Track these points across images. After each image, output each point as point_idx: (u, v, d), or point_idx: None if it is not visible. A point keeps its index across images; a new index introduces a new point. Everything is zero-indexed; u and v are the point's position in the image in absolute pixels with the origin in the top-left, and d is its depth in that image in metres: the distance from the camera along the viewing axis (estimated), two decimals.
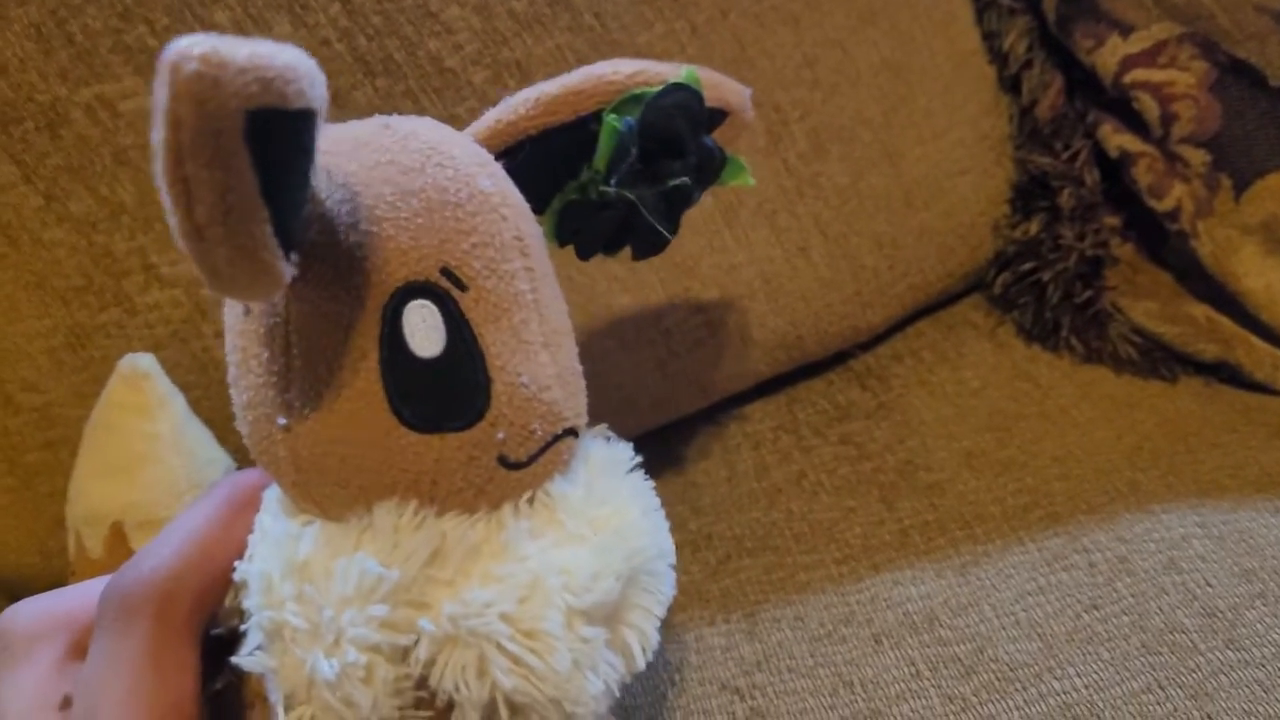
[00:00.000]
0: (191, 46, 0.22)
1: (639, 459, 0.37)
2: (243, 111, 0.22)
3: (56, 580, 0.32)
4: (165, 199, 0.23)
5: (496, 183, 0.32)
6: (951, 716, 0.41)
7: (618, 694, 0.33)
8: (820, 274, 0.58)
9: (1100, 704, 0.41)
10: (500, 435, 0.31)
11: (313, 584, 0.29)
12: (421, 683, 0.30)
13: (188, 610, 0.30)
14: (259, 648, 0.30)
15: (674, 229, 0.38)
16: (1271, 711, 0.40)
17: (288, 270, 0.26)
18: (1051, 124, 0.63)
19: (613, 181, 0.36)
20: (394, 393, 0.29)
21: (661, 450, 0.59)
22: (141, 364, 0.44)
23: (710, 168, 0.39)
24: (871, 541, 0.50)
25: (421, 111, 0.47)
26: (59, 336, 0.47)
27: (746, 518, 0.53)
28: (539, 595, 0.30)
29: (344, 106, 0.46)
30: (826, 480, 0.54)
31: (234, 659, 0.30)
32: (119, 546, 0.42)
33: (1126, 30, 0.59)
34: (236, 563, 0.31)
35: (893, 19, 0.59)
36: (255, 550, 0.31)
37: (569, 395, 0.33)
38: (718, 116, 0.40)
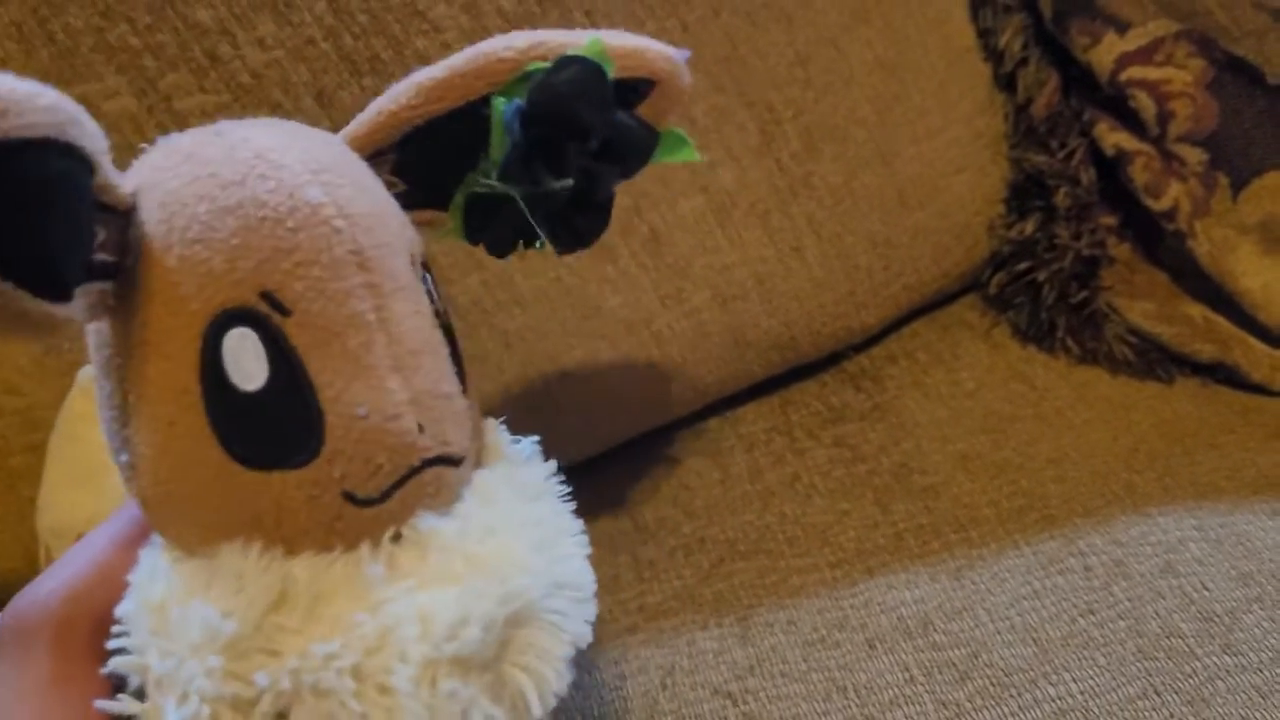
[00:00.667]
0: None
1: (555, 480, 0.35)
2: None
3: None
4: None
5: (330, 191, 0.28)
6: None
7: None
8: (814, 274, 0.57)
9: (1096, 710, 0.41)
10: (338, 472, 0.28)
11: (166, 627, 0.28)
12: None
13: (87, 634, 0.29)
14: (131, 689, 0.29)
15: (597, 222, 0.35)
16: (1269, 717, 0.39)
17: (59, 310, 0.25)
18: (1047, 122, 0.63)
19: (495, 174, 0.33)
20: (221, 428, 0.27)
21: (653, 453, 0.58)
22: None
23: (633, 147, 0.35)
24: (865, 545, 0.50)
25: None
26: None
27: (739, 520, 0.52)
28: (389, 646, 0.27)
29: (330, 106, 0.46)
30: (820, 483, 0.54)
31: (99, 702, 0.29)
32: None
33: (1123, 27, 0.59)
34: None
35: (886, 17, 0.58)
36: (132, 583, 0.29)
37: (433, 422, 0.29)
38: (643, 87, 0.35)
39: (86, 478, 0.42)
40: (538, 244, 0.35)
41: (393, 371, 0.29)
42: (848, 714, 0.42)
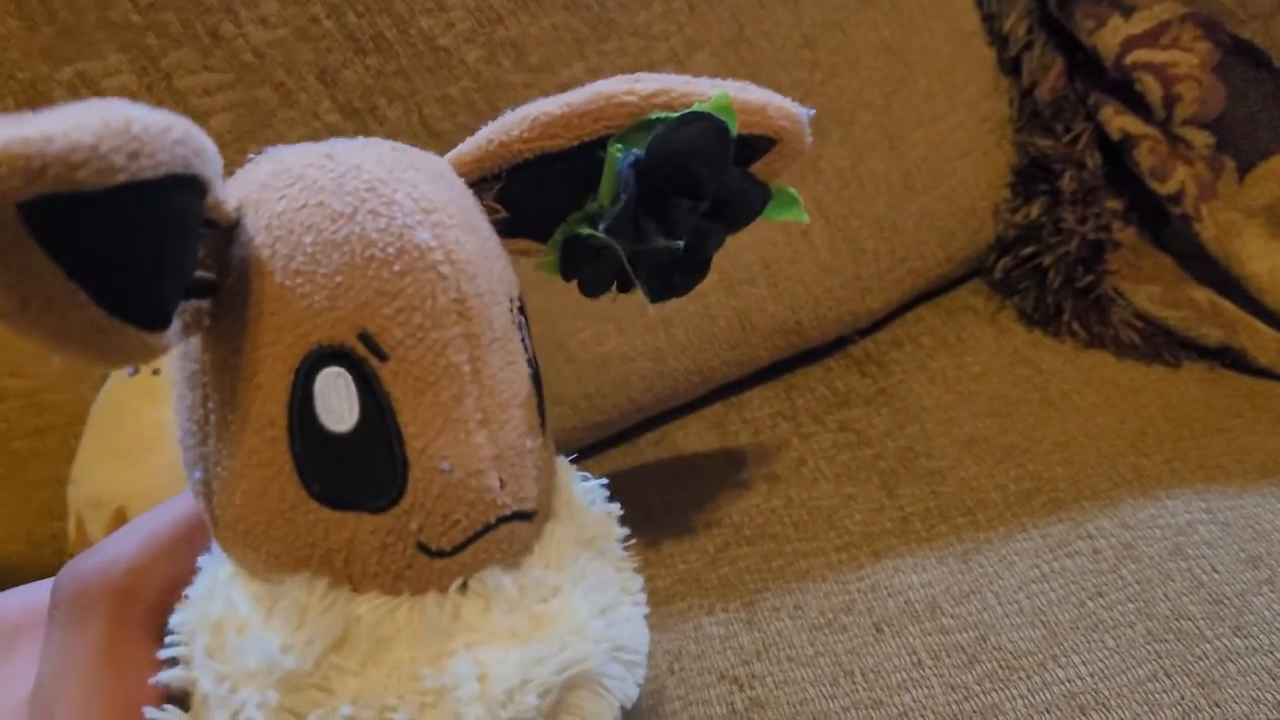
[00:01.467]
0: None
1: (621, 532, 0.34)
2: (11, 208, 0.20)
3: (44, 569, 0.31)
4: None
5: (440, 234, 0.28)
6: (954, 706, 0.41)
7: None
8: (820, 258, 0.57)
9: (1105, 692, 0.40)
10: (415, 524, 0.27)
11: (222, 650, 0.27)
12: None
13: (147, 608, 0.29)
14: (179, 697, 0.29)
15: (695, 277, 0.35)
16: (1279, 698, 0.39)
17: (160, 339, 0.24)
18: (1052, 106, 0.62)
19: (601, 225, 0.32)
20: (303, 465, 0.27)
21: (658, 437, 0.58)
22: None
23: (744, 207, 0.34)
24: (872, 529, 0.49)
25: (414, 91, 0.47)
26: None
27: (745, 505, 0.52)
28: (446, 704, 0.27)
29: (334, 85, 0.46)
30: (826, 467, 0.54)
31: (149, 713, 0.28)
32: None
33: (1128, 10, 0.58)
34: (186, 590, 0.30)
35: (893, 0, 0.58)
36: (192, 592, 0.29)
37: (514, 479, 0.29)
38: (763, 143, 0.34)
39: (129, 451, 0.41)
40: (633, 289, 0.35)
41: (481, 426, 0.28)
42: (855, 698, 0.42)
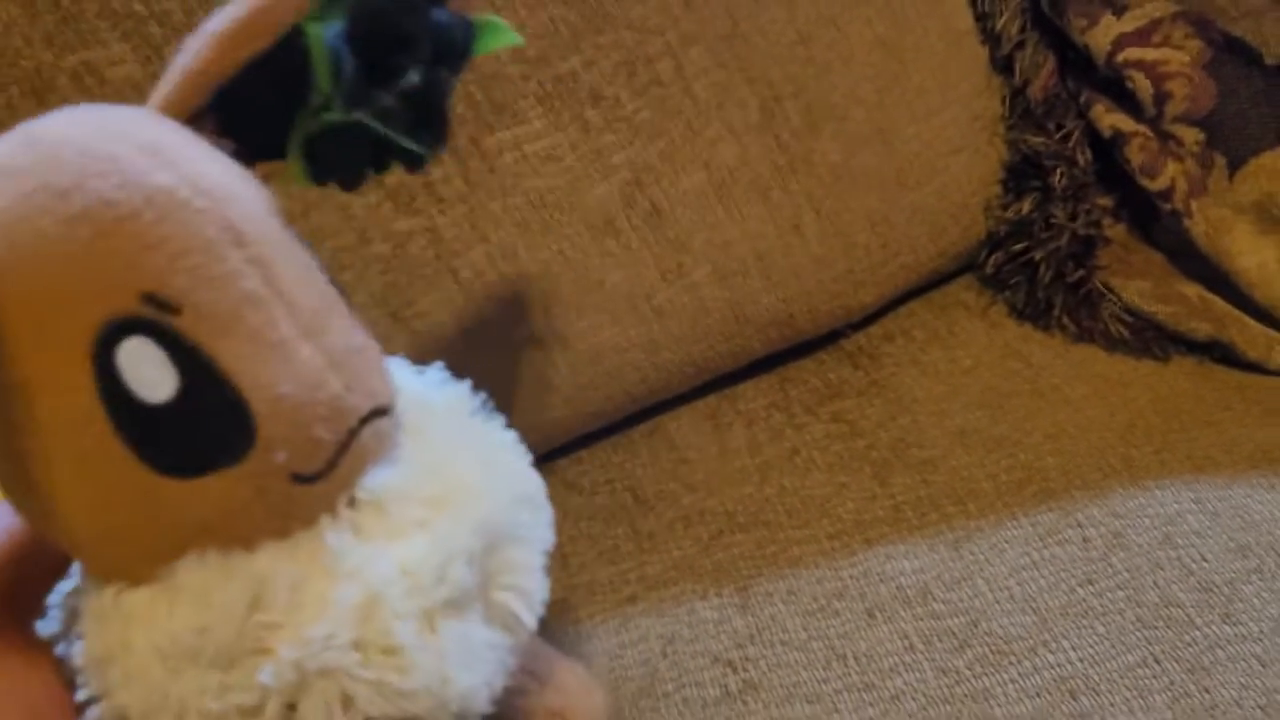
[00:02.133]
0: None
1: (475, 398, 0.34)
2: None
3: None
4: None
5: (178, 170, 0.26)
6: (945, 690, 0.41)
7: (512, 662, 0.31)
8: (813, 251, 0.58)
9: (1095, 677, 0.41)
10: (280, 457, 0.26)
11: (138, 664, 0.26)
12: None
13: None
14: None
15: (440, 128, 0.33)
16: (1268, 684, 0.40)
17: None
18: (1044, 104, 0.63)
19: (337, 106, 0.30)
20: (139, 447, 0.25)
21: (653, 428, 0.58)
22: None
23: (454, 45, 0.33)
24: (864, 517, 0.50)
25: None
26: None
27: (739, 493, 0.52)
28: (381, 610, 0.27)
29: None
30: (819, 457, 0.54)
31: None
32: None
33: (1120, 9, 0.59)
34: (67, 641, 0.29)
35: None
36: (81, 625, 0.28)
37: (356, 377, 0.28)
38: None
39: None
40: (389, 168, 0.33)
41: (303, 340, 0.27)
42: (847, 681, 0.42)
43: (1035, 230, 0.62)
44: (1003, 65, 0.64)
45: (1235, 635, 0.42)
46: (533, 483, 0.33)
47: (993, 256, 0.64)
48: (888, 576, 0.46)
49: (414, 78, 0.32)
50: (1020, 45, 0.63)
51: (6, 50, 0.43)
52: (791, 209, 0.57)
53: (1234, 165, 0.57)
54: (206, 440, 0.26)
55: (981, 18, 0.63)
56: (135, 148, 0.26)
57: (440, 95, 0.33)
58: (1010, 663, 0.42)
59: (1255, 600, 0.43)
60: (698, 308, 0.56)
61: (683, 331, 0.56)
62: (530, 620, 0.31)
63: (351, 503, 0.28)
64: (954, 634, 0.43)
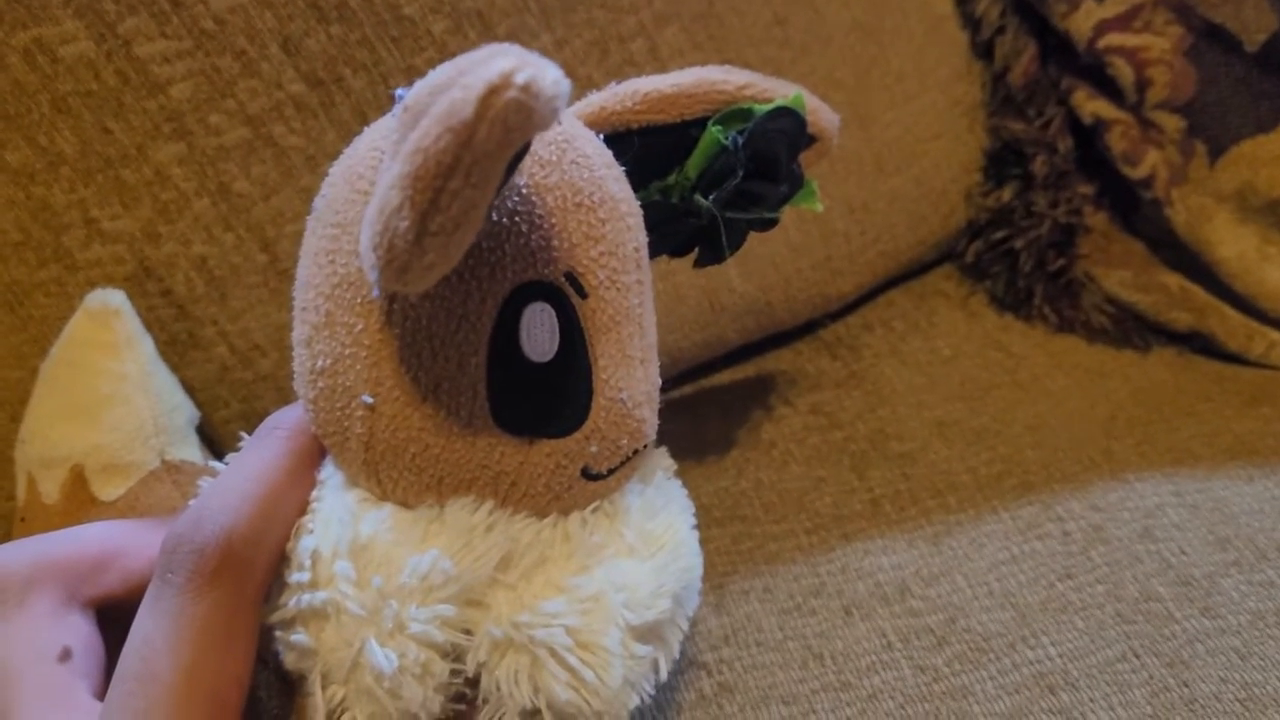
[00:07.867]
0: (514, 72, 0.21)
1: (674, 465, 0.37)
2: (528, 141, 0.23)
3: None
4: (389, 195, 0.23)
5: (623, 188, 0.31)
6: (924, 688, 0.40)
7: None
8: (790, 238, 0.57)
9: (1075, 673, 0.40)
10: (593, 448, 0.30)
11: (373, 569, 0.28)
12: (468, 681, 0.30)
13: (260, 580, 0.29)
14: (297, 624, 0.29)
15: (734, 251, 0.38)
16: (1247, 678, 0.39)
17: None
18: (1025, 90, 0.62)
19: (711, 196, 0.35)
20: (496, 392, 0.29)
21: None
22: (112, 300, 0.42)
23: (793, 193, 0.39)
24: (842, 511, 0.49)
25: (378, 61, 0.46)
26: None
27: (714, 487, 0.51)
28: (601, 610, 0.30)
29: (297, 54, 0.44)
30: (796, 450, 0.53)
31: (278, 633, 0.30)
32: (79, 492, 0.40)
33: None
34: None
35: None
36: (313, 523, 0.30)
37: (654, 411, 0.32)
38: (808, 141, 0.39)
39: (86, 408, 0.40)
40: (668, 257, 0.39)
41: (641, 364, 0.31)
42: (825, 681, 0.41)
43: (1016, 218, 0.62)
44: (983, 51, 0.63)
45: (1214, 629, 0.41)
46: (702, 561, 0.36)
47: (973, 245, 0.63)
48: (866, 573, 0.45)
49: (768, 214, 0.38)
50: (1001, 31, 0.62)
51: None
52: None
53: (1215, 153, 0.57)
54: (550, 409, 0.29)
55: (961, 2, 0.62)
56: (599, 155, 0.30)
57: (768, 225, 0.39)
58: (989, 659, 0.41)
59: (1234, 594, 0.43)
60: (672, 296, 0.55)
61: (657, 322, 0.55)
62: (663, 675, 0.34)
63: (595, 510, 0.32)
64: (932, 631, 0.42)
